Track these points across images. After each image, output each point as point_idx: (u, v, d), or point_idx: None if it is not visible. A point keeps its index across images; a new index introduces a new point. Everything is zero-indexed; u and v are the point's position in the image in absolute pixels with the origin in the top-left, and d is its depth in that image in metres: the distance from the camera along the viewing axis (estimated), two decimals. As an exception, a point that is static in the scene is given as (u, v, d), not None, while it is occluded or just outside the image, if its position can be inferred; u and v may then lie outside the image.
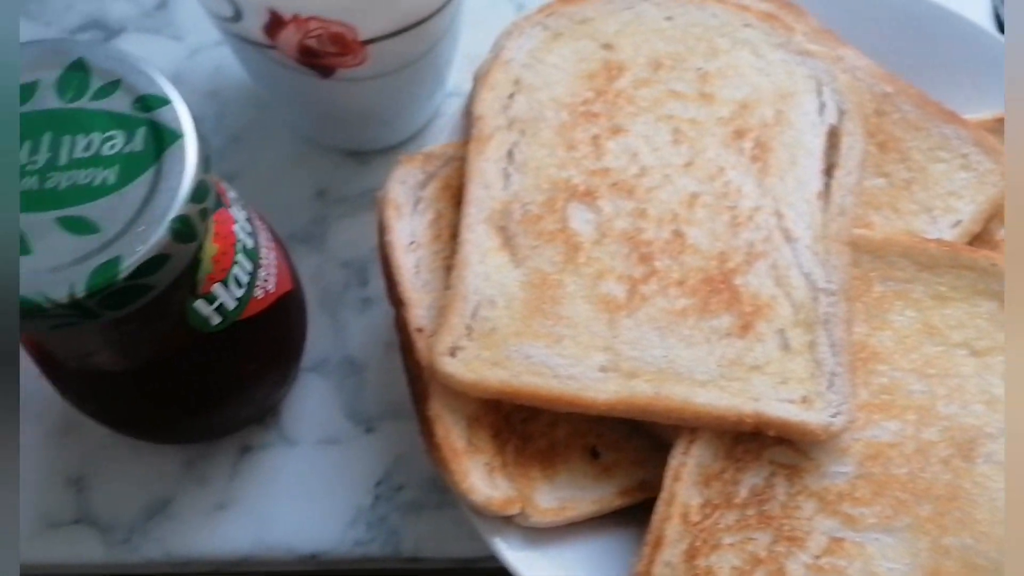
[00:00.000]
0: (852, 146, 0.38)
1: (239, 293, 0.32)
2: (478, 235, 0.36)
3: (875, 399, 0.35)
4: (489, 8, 0.50)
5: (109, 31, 0.48)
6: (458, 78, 0.46)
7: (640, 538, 0.35)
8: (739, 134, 0.38)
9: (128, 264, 0.26)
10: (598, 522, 0.36)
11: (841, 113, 0.39)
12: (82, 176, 0.26)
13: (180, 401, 0.34)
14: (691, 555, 0.33)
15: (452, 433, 0.34)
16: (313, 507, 0.40)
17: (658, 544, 0.33)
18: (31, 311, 0.25)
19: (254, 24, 0.35)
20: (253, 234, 0.34)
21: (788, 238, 0.36)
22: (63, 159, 0.26)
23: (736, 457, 0.35)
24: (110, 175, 0.26)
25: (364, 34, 0.35)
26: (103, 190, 0.26)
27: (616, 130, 0.38)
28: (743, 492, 0.34)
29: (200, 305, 0.31)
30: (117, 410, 0.35)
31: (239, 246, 0.32)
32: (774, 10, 0.42)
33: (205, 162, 0.27)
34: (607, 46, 0.40)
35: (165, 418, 0.35)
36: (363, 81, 0.38)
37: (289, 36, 0.35)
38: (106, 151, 0.27)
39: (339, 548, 0.39)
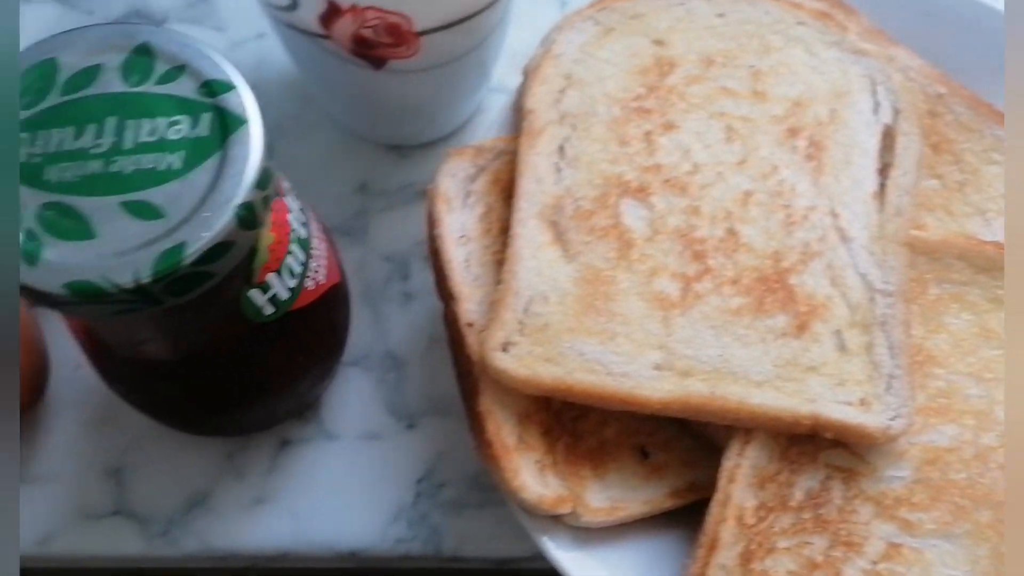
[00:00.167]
0: (908, 146, 0.38)
1: (292, 284, 0.32)
2: (530, 229, 0.36)
3: (932, 403, 0.35)
4: (532, 4, 0.49)
5: (152, 21, 0.48)
6: (500, 74, 0.45)
7: (688, 540, 0.35)
8: (793, 132, 0.38)
9: (193, 250, 0.25)
10: (646, 523, 0.35)
11: (896, 113, 0.38)
12: (147, 161, 0.26)
13: (227, 392, 0.34)
14: (746, 558, 0.32)
15: (503, 430, 0.34)
16: (353, 503, 0.39)
17: (713, 546, 0.32)
18: (95, 295, 0.25)
19: (310, 13, 0.34)
20: (306, 224, 0.33)
21: (844, 238, 0.36)
22: (128, 143, 0.26)
23: (791, 459, 0.34)
24: (175, 160, 0.26)
25: (419, 25, 0.35)
26: (168, 175, 0.26)
27: (668, 126, 0.38)
28: (798, 495, 0.33)
29: (255, 294, 0.30)
30: (164, 400, 0.34)
31: (293, 236, 0.32)
32: (827, 8, 0.41)
33: (268, 149, 0.27)
34: (659, 42, 0.39)
35: (211, 409, 0.35)
36: (413, 73, 0.38)
37: (345, 26, 0.34)
38: (171, 136, 0.26)
39: (380, 546, 0.39)
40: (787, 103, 0.38)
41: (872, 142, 0.38)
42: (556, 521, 0.34)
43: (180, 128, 0.26)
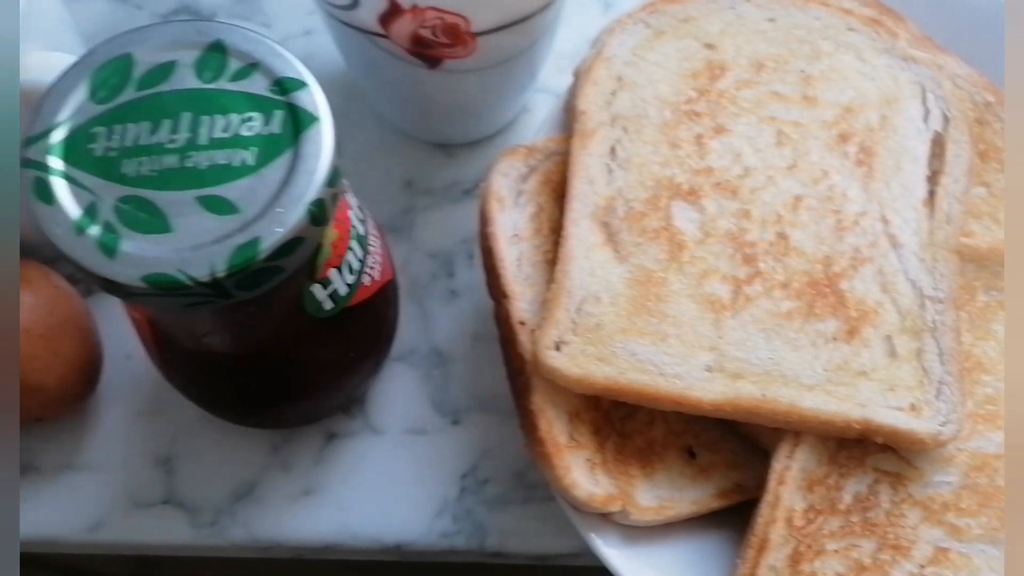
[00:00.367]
0: (958, 154, 0.38)
1: (350, 280, 0.32)
2: (582, 230, 0.36)
3: (980, 409, 0.35)
4: (576, 6, 0.49)
5: (200, 17, 0.48)
6: (544, 74, 0.45)
7: (732, 540, 0.35)
8: (843, 138, 0.38)
9: (267, 245, 0.26)
10: (691, 522, 0.36)
11: (946, 120, 0.39)
12: (221, 156, 0.26)
13: (284, 385, 0.34)
14: (795, 560, 0.33)
15: (554, 428, 0.34)
16: (398, 497, 0.40)
17: (763, 548, 0.33)
18: (171, 288, 0.25)
19: (370, 12, 0.35)
20: (364, 221, 0.34)
21: (894, 244, 0.36)
22: (203, 139, 0.27)
23: (839, 463, 0.34)
24: (248, 156, 0.26)
25: (477, 26, 0.35)
26: (242, 171, 0.26)
27: (719, 130, 0.38)
28: (847, 498, 0.34)
29: (316, 290, 0.31)
30: (221, 392, 0.35)
31: (353, 232, 0.32)
32: (876, 15, 0.41)
33: (338, 147, 0.27)
34: (709, 46, 0.40)
35: (266, 402, 0.35)
36: (466, 73, 0.38)
37: (404, 25, 0.35)
38: (244, 132, 0.27)
39: (425, 539, 0.39)
40: (838, 108, 0.39)
41: (922, 149, 0.38)
42: (604, 519, 0.35)
43: (253, 125, 0.27)
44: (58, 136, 0.26)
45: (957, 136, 0.38)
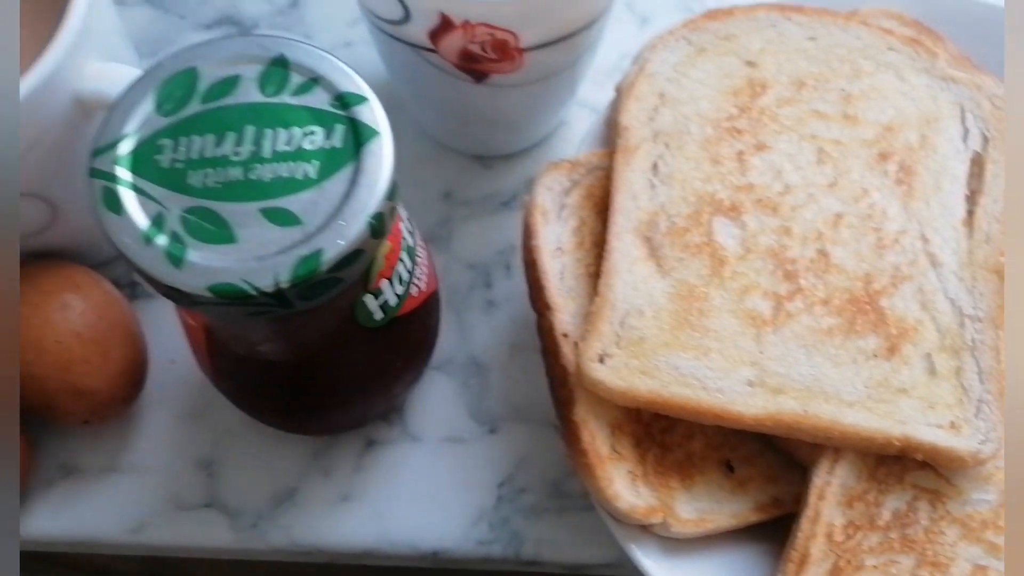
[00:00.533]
0: (997, 174, 0.38)
1: (400, 290, 0.33)
2: (625, 244, 0.36)
3: (1018, 428, 0.35)
4: (613, 21, 0.50)
5: (242, 27, 0.49)
6: (582, 89, 0.46)
7: (768, 554, 0.36)
8: (883, 157, 0.38)
9: (329, 257, 0.26)
10: (727, 535, 0.36)
11: (985, 140, 0.39)
12: (284, 169, 0.27)
13: (331, 393, 0.35)
14: (835, 575, 0.33)
15: (597, 439, 0.34)
16: (435, 504, 0.40)
17: (803, 562, 0.33)
18: (236, 298, 0.26)
19: (420, 28, 0.35)
20: (412, 233, 0.34)
21: (934, 263, 0.37)
22: (266, 152, 0.27)
23: (879, 479, 0.35)
24: (311, 169, 0.27)
25: (525, 42, 0.36)
26: (305, 184, 0.27)
27: (760, 147, 0.38)
28: (886, 514, 0.34)
29: (368, 300, 0.31)
30: (270, 398, 0.35)
31: (404, 244, 0.33)
32: (915, 34, 0.42)
33: (396, 160, 0.28)
34: (751, 63, 0.40)
35: (312, 409, 0.36)
36: (510, 88, 0.39)
37: (454, 41, 0.35)
38: (306, 146, 0.27)
39: (462, 547, 0.40)
40: (878, 127, 0.39)
41: (962, 169, 0.38)
42: (644, 530, 0.35)
43: (315, 138, 0.27)
44: (126, 148, 0.27)
45: (996, 156, 0.39)
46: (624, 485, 0.34)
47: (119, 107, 0.28)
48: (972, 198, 0.38)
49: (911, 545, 0.34)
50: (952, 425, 0.34)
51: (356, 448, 0.41)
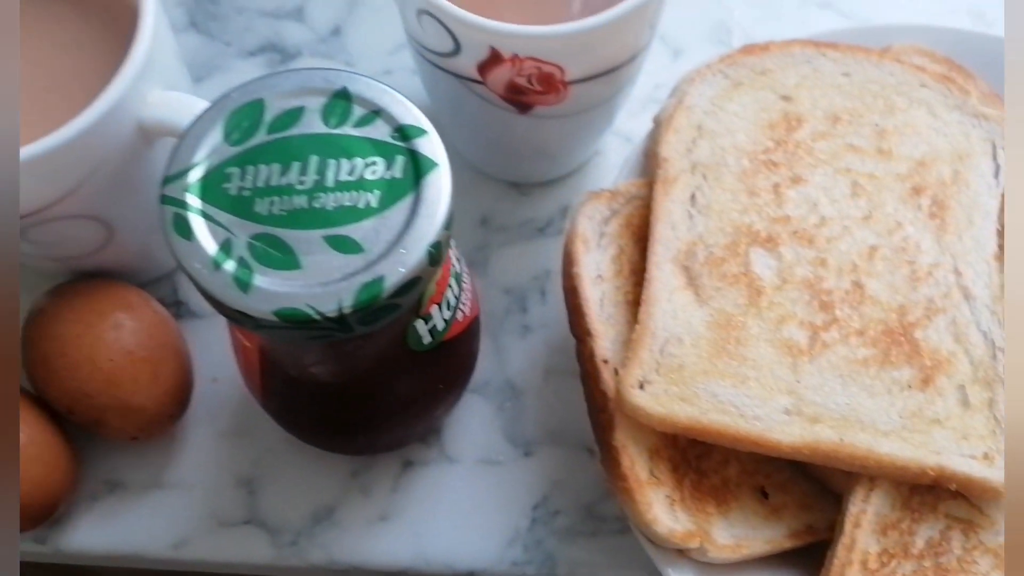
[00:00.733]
0: (1029, 210, 0.39)
1: (447, 315, 0.34)
2: (665, 273, 0.37)
3: (1050, 460, 0.36)
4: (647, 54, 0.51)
5: (285, 54, 0.50)
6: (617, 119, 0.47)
7: (802, 580, 0.36)
8: (917, 191, 0.39)
9: (391, 284, 0.27)
10: (761, 561, 0.37)
11: (1016, 177, 0.40)
12: (347, 198, 0.28)
13: (375, 415, 0.36)
14: (870, 601, 0.34)
15: (637, 464, 0.35)
16: (471, 525, 0.41)
17: (839, 588, 0.34)
18: (301, 322, 0.27)
19: (470, 60, 0.36)
20: (459, 260, 0.35)
21: (967, 296, 0.37)
22: (330, 181, 0.28)
23: (912, 508, 0.35)
24: (372, 199, 0.28)
25: (571, 75, 0.37)
26: (367, 212, 0.28)
27: (796, 180, 0.39)
28: (919, 543, 0.35)
29: (419, 325, 0.32)
30: (315, 419, 0.36)
31: (452, 270, 0.34)
32: (947, 71, 0.43)
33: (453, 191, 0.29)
34: (786, 98, 0.41)
35: (356, 430, 0.37)
36: (553, 119, 0.40)
37: (501, 74, 0.36)
38: (368, 176, 0.28)
39: (496, 567, 0.40)
40: (911, 162, 0.40)
41: (993, 204, 0.39)
42: (680, 555, 0.36)
43: (376, 169, 0.28)
44: (195, 175, 0.28)
45: (1027, 192, 0.39)
46: (662, 509, 0.35)
47: (189, 136, 0.29)
48: (1003, 233, 0.39)
49: (944, 574, 0.34)
50: (985, 456, 0.34)
51: (394, 468, 0.42)
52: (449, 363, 0.36)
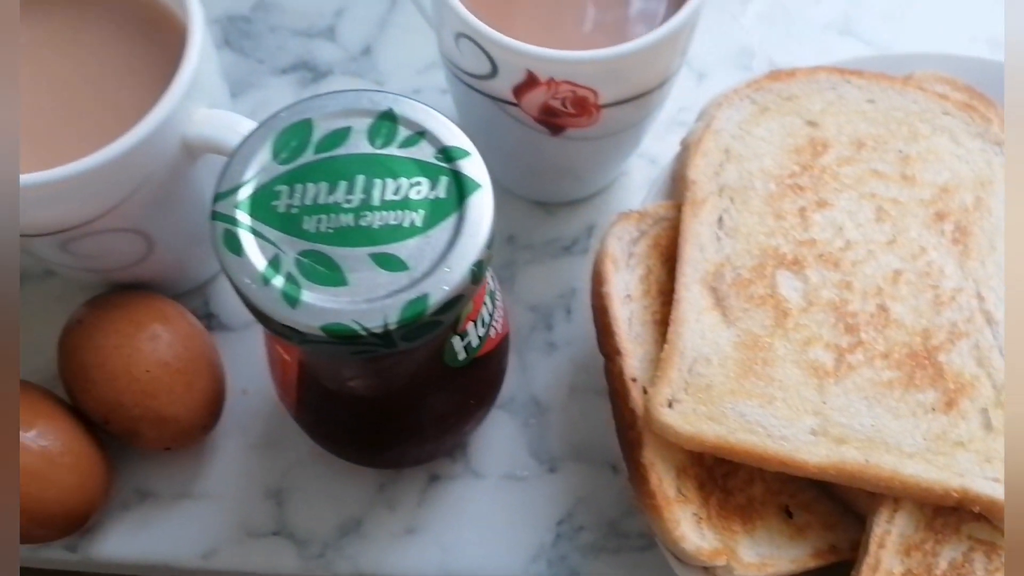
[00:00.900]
0: (1050, 237, 0.40)
1: (481, 332, 0.34)
2: (693, 294, 0.38)
3: (1072, 484, 0.36)
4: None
5: (317, 73, 0.51)
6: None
7: (825, 599, 0.37)
8: (940, 217, 0.40)
9: (435, 301, 0.28)
10: (785, 580, 0.37)
11: (1038, 204, 0.40)
12: (392, 217, 0.29)
13: (408, 428, 0.36)
14: (895, 621, 0.34)
15: (665, 482, 0.36)
16: (497, 539, 0.42)
17: (864, 607, 0.34)
18: (347, 337, 0.27)
19: (506, 83, 0.37)
20: (493, 278, 0.36)
21: (989, 320, 0.38)
22: (376, 200, 0.29)
23: (936, 529, 0.36)
24: (417, 218, 0.29)
25: (604, 99, 0.37)
26: (411, 231, 0.28)
27: (822, 204, 0.40)
28: (942, 564, 0.35)
29: (456, 341, 0.33)
30: (348, 432, 0.37)
31: (487, 288, 0.34)
32: (969, 100, 0.43)
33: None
34: (812, 123, 0.42)
35: (388, 444, 0.37)
36: (583, 141, 0.41)
37: (536, 96, 0.37)
38: (413, 195, 0.29)
39: (521, 582, 0.41)
40: (934, 188, 0.41)
41: (1015, 230, 0.40)
42: (706, 572, 0.36)
43: (421, 189, 0.29)
44: (245, 193, 0.29)
45: (1049, 220, 0.40)
46: (690, 527, 0.35)
47: (239, 154, 0.29)
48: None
49: (968, 595, 0.35)
50: (1009, 479, 0.35)
51: (420, 482, 0.43)
52: (481, 379, 0.37)
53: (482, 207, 0.29)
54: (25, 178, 0.32)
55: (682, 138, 0.43)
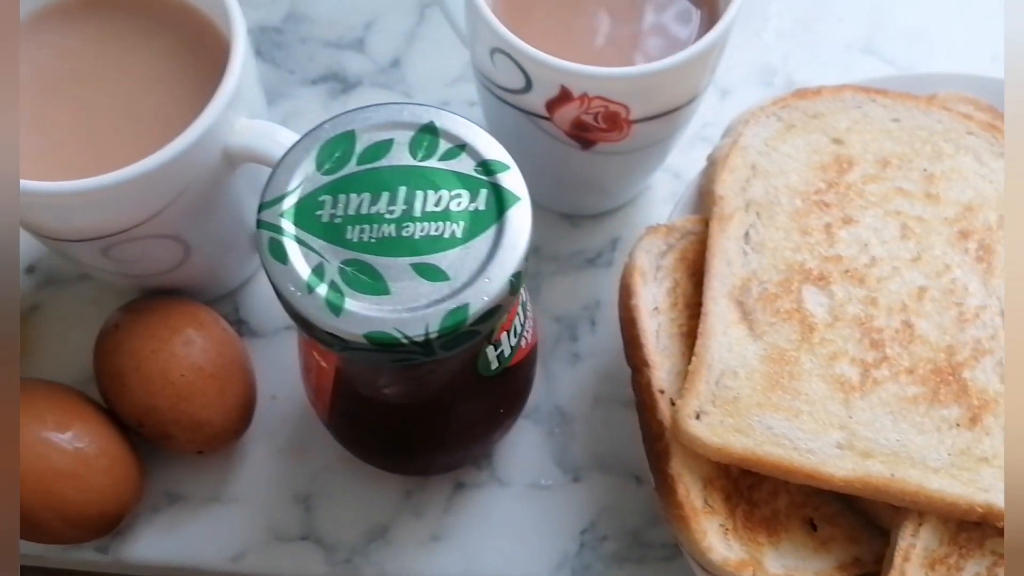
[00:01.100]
0: (1074, 256, 0.40)
1: (513, 342, 0.35)
2: (721, 308, 0.38)
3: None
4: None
5: (347, 84, 0.52)
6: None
7: (848, 612, 0.37)
8: (964, 235, 0.40)
9: (475, 311, 0.28)
10: (808, 592, 0.37)
11: (1061, 224, 0.41)
12: (433, 228, 0.29)
13: (439, 436, 0.37)
14: (919, 634, 0.34)
15: (691, 493, 0.36)
16: (521, 547, 0.42)
17: (889, 620, 0.34)
18: (388, 345, 0.28)
19: (539, 98, 0.38)
20: (525, 289, 0.36)
21: (1013, 338, 0.38)
22: (417, 211, 0.29)
23: (960, 544, 0.36)
24: (457, 229, 0.29)
25: (635, 114, 0.38)
26: (452, 242, 0.29)
27: (847, 220, 0.41)
28: (967, 578, 0.36)
29: (489, 351, 0.33)
30: (379, 438, 0.37)
31: (520, 299, 0.35)
32: (992, 120, 0.44)
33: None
34: (837, 141, 0.42)
35: (419, 451, 0.38)
36: (612, 155, 0.41)
37: (569, 111, 0.38)
38: (453, 207, 0.30)
39: (545, 590, 0.41)
40: (958, 207, 0.41)
41: (1039, 249, 0.40)
42: (731, 583, 0.37)
43: (461, 201, 0.30)
44: (290, 202, 0.29)
45: (1072, 239, 0.41)
46: (717, 538, 0.36)
47: (283, 165, 0.30)
48: (1048, 278, 0.40)
49: (992, 609, 0.35)
50: (1033, 495, 0.35)
51: (446, 490, 0.43)
52: (510, 388, 0.38)
53: (521, 219, 0.30)
54: (71, 184, 0.33)
55: (708, 154, 0.43)
